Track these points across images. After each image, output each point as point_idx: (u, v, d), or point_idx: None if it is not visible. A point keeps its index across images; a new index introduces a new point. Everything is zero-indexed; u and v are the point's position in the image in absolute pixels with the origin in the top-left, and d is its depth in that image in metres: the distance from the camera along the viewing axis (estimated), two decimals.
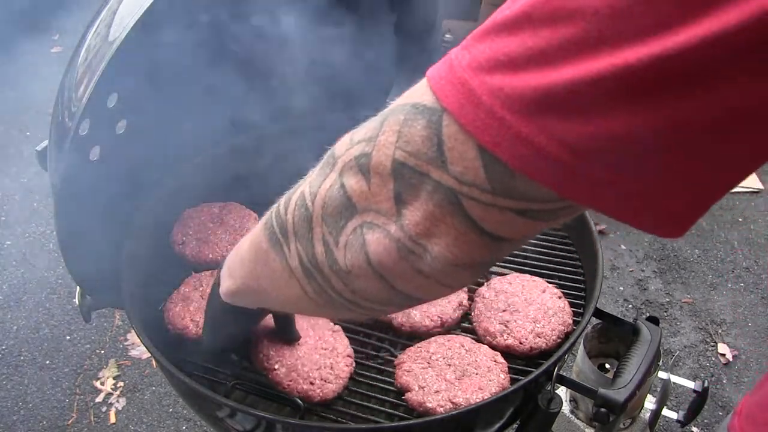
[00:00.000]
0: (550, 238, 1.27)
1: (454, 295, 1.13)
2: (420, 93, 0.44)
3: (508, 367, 1.02)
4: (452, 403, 0.95)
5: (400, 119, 0.44)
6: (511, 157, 0.39)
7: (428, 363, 1.01)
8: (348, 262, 0.50)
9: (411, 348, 1.06)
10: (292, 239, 0.54)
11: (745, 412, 0.67)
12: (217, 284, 0.79)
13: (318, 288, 0.54)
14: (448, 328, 1.11)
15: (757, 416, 0.66)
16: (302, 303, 0.58)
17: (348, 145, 0.49)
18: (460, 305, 1.13)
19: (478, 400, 0.95)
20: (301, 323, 1.06)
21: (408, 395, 0.98)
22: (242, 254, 0.66)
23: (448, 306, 1.11)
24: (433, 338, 1.07)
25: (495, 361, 1.02)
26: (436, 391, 0.97)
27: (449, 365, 1.01)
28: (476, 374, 0.99)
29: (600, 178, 0.38)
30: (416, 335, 1.09)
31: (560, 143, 0.37)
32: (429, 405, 0.95)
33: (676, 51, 0.33)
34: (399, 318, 1.09)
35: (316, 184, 0.51)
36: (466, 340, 1.06)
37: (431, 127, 0.42)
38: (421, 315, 1.09)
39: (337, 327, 1.08)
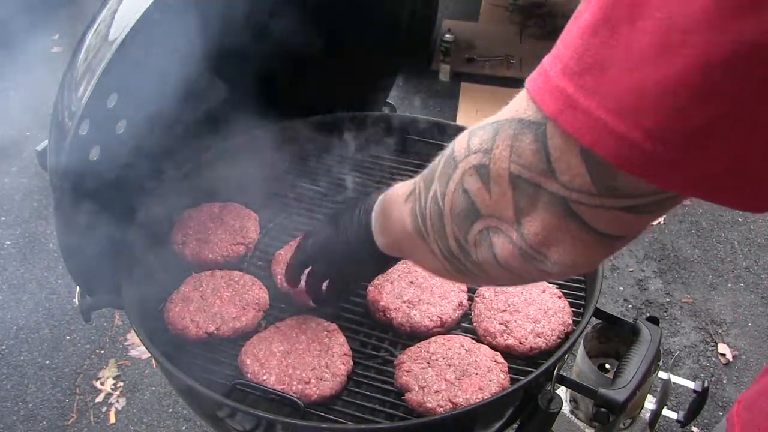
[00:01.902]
0: None
1: (454, 295, 1.13)
2: (524, 107, 0.48)
3: (508, 367, 1.02)
4: (452, 403, 0.95)
5: (510, 134, 0.49)
6: (610, 154, 0.42)
7: (428, 363, 1.01)
8: (479, 257, 0.57)
9: (411, 348, 1.06)
10: (431, 232, 0.62)
11: (744, 403, 0.69)
12: (361, 220, 0.84)
13: (454, 267, 0.62)
14: (448, 328, 1.11)
15: (753, 405, 0.68)
16: (440, 272, 0.67)
17: (466, 152, 0.54)
18: (460, 305, 1.12)
19: (478, 400, 0.95)
20: (291, 331, 1.06)
21: (408, 395, 0.98)
22: (392, 227, 0.75)
23: (448, 306, 1.11)
24: (433, 338, 1.07)
25: (495, 361, 1.02)
26: (436, 391, 0.97)
27: (449, 365, 1.01)
28: (476, 374, 0.99)
29: (691, 168, 0.40)
30: (416, 335, 1.09)
31: (654, 139, 0.40)
32: (429, 405, 0.95)
33: (748, 37, 0.35)
34: (399, 318, 1.09)
35: (443, 184, 0.57)
36: (466, 340, 1.06)
37: (538, 141, 0.46)
38: (421, 315, 1.09)
39: (333, 326, 1.08)
